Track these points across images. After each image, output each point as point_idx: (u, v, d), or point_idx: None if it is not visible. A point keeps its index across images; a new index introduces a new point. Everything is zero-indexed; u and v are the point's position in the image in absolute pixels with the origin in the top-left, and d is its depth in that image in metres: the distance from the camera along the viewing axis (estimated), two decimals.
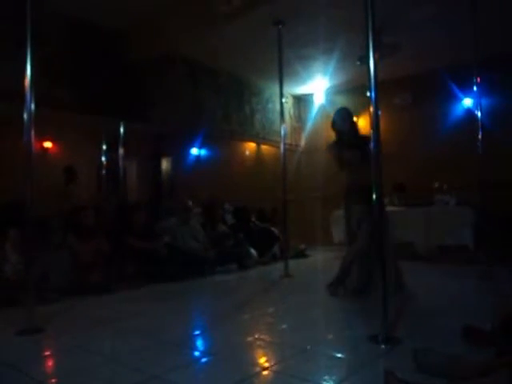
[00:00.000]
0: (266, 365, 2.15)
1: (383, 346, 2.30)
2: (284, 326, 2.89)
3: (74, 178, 5.59)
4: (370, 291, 3.49)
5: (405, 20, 5.14)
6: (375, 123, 2.50)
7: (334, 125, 3.79)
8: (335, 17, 4.94)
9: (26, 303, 2.80)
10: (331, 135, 3.94)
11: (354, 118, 3.83)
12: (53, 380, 2.05)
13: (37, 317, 2.81)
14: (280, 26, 4.95)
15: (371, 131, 2.51)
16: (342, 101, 8.08)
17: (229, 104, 7.02)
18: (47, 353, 2.54)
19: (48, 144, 6.16)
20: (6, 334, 2.71)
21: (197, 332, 2.93)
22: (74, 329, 2.86)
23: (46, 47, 4.54)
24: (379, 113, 2.54)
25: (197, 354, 2.46)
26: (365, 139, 3.46)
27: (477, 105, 4.51)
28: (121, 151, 6.15)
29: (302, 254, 6.62)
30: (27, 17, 2.93)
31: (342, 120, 3.72)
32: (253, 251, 5.87)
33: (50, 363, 2.39)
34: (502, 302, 3.15)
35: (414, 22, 5.20)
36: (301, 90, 7.97)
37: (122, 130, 5.94)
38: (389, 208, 5.68)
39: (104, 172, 6.48)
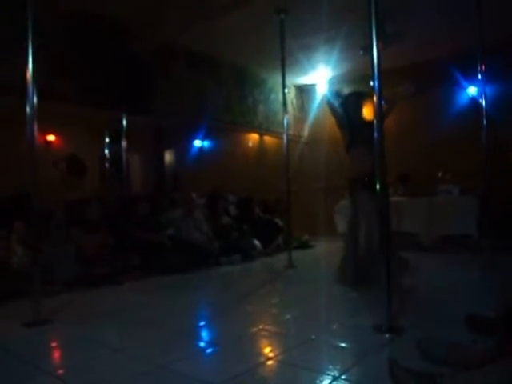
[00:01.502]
0: (271, 355, 2.17)
1: (387, 336, 2.31)
2: (288, 317, 2.91)
3: (79, 168, 5.53)
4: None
5: (408, 8, 5.07)
6: (378, 113, 2.49)
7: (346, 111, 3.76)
8: (338, 5, 4.88)
9: (32, 295, 2.82)
10: (334, 126, 3.92)
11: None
12: (60, 371, 2.07)
13: (43, 309, 2.84)
14: (282, 15, 4.90)
15: (374, 121, 2.50)
16: (345, 90, 8.02)
17: (231, 95, 6.99)
18: (54, 344, 2.57)
19: (51, 137, 6.19)
20: (13, 326, 2.74)
21: (202, 323, 2.96)
22: (79, 320, 2.89)
23: (47, 39, 4.52)
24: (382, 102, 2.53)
25: (202, 344, 2.48)
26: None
27: (481, 93, 4.47)
28: (124, 144, 6.16)
29: (305, 245, 6.63)
30: (28, 8, 2.92)
31: (355, 107, 3.69)
32: (257, 242, 5.89)
33: (56, 354, 2.42)
34: (505, 291, 3.15)
35: (418, 10, 5.14)
36: (303, 80, 7.91)
37: (124, 122, 5.94)
38: (393, 198, 5.68)
39: (107, 165, 6.50)
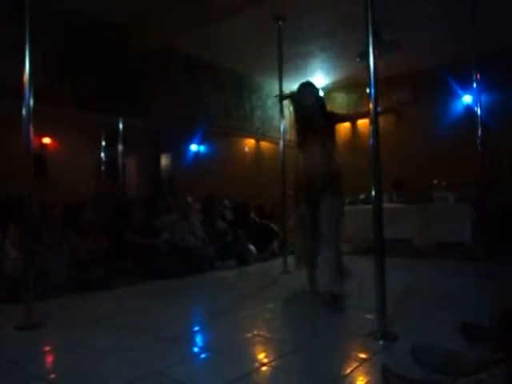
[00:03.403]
0: (265, 360, 2.16)
1: (381, 342, 2.30)
2: (283, 322, 2.90)
3: (43, 170, 5.38)
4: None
5: (404, 17, 5.13)
6: (374, 120, 2.50)
7: (297, 102, 3.43)
8: (335, 13, 4.93)
9: (25, 299, 2.80)
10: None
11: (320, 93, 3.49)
12: (52, 375, 2.05)
13: (36, 313, 2.82)
14: (280, 22, 4.94)
15: (370, 128, 2.51)
16: (341, 97, 8.08)
17: (228, 100, 7.01)
18: (47, 348, 2.54)
19: (47, 140, 6.15)
20: (6, 330, 2.72)
21: (196, 328, 2.94)
22: (73, 325, 2.86)
23: (45, 42, 4.52)
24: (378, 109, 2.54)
25: (196, 349, 2.47)
26: (331, 117, 3.37)
27: (476, 101, 4.50)
28: (120, 147, 6.15)
29: None
30: (25, 11, 2.92)
31: (305, 96, 3.36)
32: (252, 247, 5.88)
33: (49, 359, 2.40)
34: (500, 299, 3.16)
35: (414, 19, 5.20)
36: None
37: (121, 126, 5.94)
38: (388, 205, 5.71)
39: (103, 168, 6.49)
